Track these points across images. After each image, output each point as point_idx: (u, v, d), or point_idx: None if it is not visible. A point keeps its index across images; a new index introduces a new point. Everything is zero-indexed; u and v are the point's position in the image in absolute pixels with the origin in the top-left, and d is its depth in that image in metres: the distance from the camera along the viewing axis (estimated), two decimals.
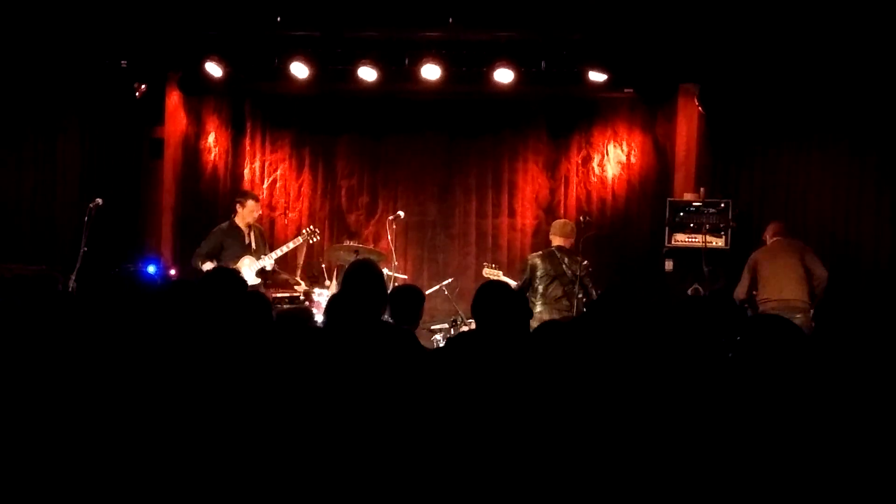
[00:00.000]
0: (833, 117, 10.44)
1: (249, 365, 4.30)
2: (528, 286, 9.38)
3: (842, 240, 10.13)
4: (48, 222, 11.38)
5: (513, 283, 9.37)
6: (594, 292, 9.32)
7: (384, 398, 4.16)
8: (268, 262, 9.93)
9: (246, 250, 9.93)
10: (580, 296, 9.23)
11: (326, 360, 4.40)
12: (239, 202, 10.07)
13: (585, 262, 9.37)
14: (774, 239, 9.41)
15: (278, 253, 9.95)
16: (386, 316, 5.57)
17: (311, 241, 10.25)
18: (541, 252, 9.58)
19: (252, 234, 10.06)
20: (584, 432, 3.95)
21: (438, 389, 4.23)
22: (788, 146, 10.66)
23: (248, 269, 9.72)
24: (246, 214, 10.01)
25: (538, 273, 9.33)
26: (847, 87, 10.25)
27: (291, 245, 10.11)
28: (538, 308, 9.17)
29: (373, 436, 4.02)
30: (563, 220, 9.86)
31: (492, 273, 9.94)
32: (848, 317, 4.52)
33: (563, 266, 9.29)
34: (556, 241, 9.50)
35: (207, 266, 9.59)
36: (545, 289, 9.28)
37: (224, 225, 10.02)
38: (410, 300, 6.01)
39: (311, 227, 10.45)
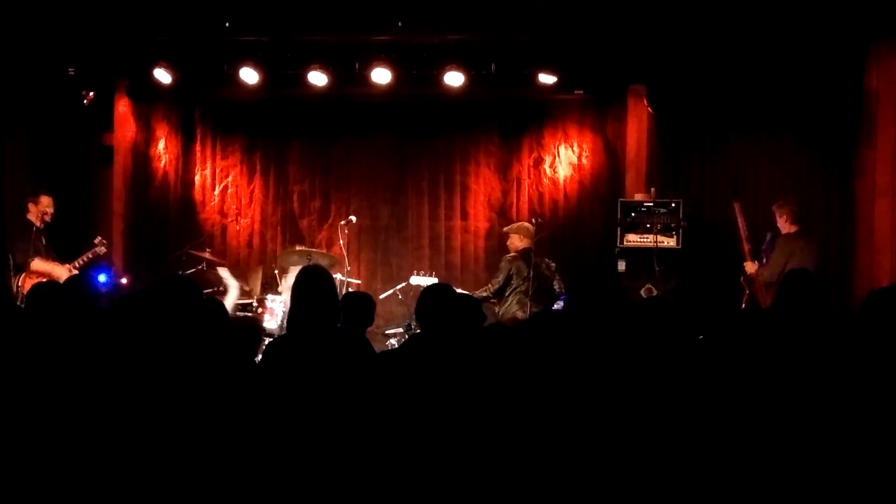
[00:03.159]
0: (779, 112, 10.56)
1: (205, 376, 4.27)
2: (504, 286, 9.61)
3: None
4: None
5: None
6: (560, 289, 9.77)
7: (339, 403, 4.15)
8: (71, 270, 9.84)
9: (47, 251, 9.90)
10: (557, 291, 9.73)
11: (283, 368, 4.39)
12: (32, 200, 9.92)
13: (554, 265, 9.84)
14: (799, 228, 9.36)
15: (79, 262, 9.94)
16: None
17: (99, 252, 10.19)
18: (515, 254, 9.72)
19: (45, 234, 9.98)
20: (539, 432, 3.96)
21: (392, 392, 4.23)
22: (737, 143, 10.76)
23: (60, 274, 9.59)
24: (40, 212, 9.83)
25: (514, 274, 9.57)
26: (791, 82, 10.38)
27: (89, 256, 10.05)
28: (514, 308, 9.47)
29: (332, 439, 4.02)
30: (526, 224, 9.95)
31: (420, 280, 9.96)
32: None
33: (539, 267, 9.48)
34: (525, 243, 9.67)
35: (38, 263, 9.54)
36: (520, 288, 9.54)
37: (26, 223, 9.82)
38: (359, 305, 6.05)
39: (99, 237, 10.32)
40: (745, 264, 9.25)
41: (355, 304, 6.07)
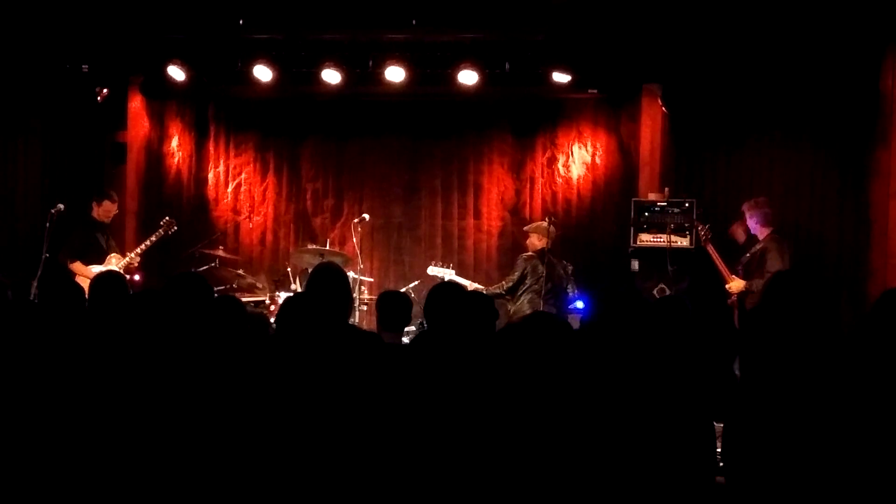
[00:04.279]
0: (794, 113, 10.49)
1: (219, 372, 4.27)
2: (518, 284, 9.65)
3: (805, 236, 10.16)
4: (9, 228, 11.21)
5: (469, 283, 9.62)
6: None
7: (349, 399, 4.15)
8: (133, 256, 9.97)
9: (107, 248, 10.00)
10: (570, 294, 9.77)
11: (293, 364, 4.39)
12: (96, 200, 10.08)
13: (571, 268, 9.87)
14: (772, 229, 9.36)
15: (142, 248, 10.03)
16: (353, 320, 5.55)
17: (169, 233, 10.20)
18: (532, 253, 9.77)
19: (107, 232, 10.14)
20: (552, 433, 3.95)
21: (401, 390, 4.22)
22: (751, 144, 10.70)
23: (116, 266, 9.65)
24: (102, 214, 10.04)
25: (528, 272, 9.61)
26: (806, 83, 10.31)
27: (153, 239, 10.10)
28: (526, 306, 9.46)
29: (342, 435, 4.02)
30: (545, 224, 9.90)
31: (437, 272, 10.00)
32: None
33: (554, 267, 9.49)
34: (543, 242, 9.66)
35: (77, 266, 9.58)
36: (534, 287, 9.57)
37: (89, 219, 10.01)
38: (395, 304, 5.92)
39: (168, 217, 10.34)
40: (727, 286, 9.23)
41: (391, 304, 5.87)
